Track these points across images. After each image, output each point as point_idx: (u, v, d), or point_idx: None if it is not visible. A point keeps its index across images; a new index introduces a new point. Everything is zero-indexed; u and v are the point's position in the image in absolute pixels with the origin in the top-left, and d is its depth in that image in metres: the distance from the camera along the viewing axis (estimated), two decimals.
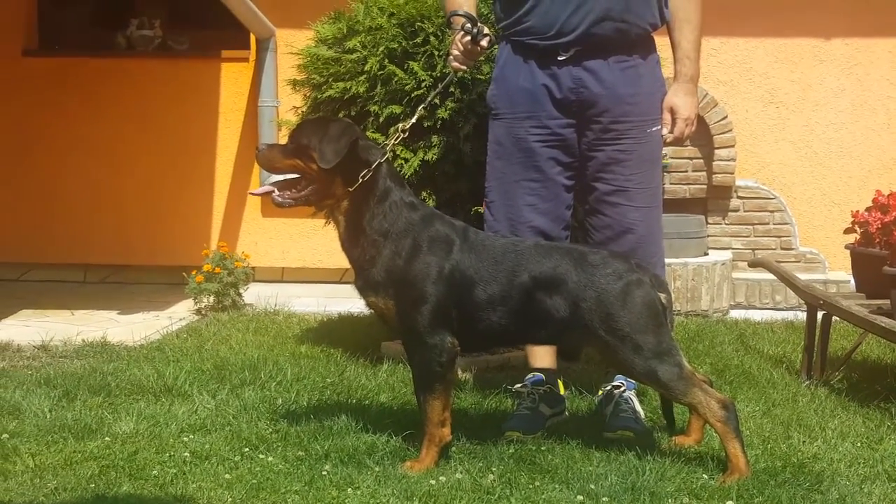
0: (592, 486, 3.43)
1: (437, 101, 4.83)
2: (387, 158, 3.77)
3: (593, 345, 3.83)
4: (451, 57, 4.18)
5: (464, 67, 4.23)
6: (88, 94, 8.24)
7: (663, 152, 4.32)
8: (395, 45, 4.98)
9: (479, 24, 4.06)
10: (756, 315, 6.96)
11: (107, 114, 8.25)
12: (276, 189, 3.78)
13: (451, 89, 4.87)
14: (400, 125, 4.10)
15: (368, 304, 3.86)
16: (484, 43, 4.07)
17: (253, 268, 7.20)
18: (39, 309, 6.93)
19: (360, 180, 3.68)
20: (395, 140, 4.08)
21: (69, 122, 8.27)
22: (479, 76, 4.86)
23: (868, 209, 4.99)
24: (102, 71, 8.24)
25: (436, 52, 4.92)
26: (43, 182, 8.30)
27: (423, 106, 4.21)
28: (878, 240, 4.85)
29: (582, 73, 4.11)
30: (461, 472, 3.58)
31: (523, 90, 4.18)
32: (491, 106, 4.33)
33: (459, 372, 4.96)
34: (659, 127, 4.21)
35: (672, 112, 4.19)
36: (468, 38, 4.07)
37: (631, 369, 3.72)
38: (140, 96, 8.24)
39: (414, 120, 4.14)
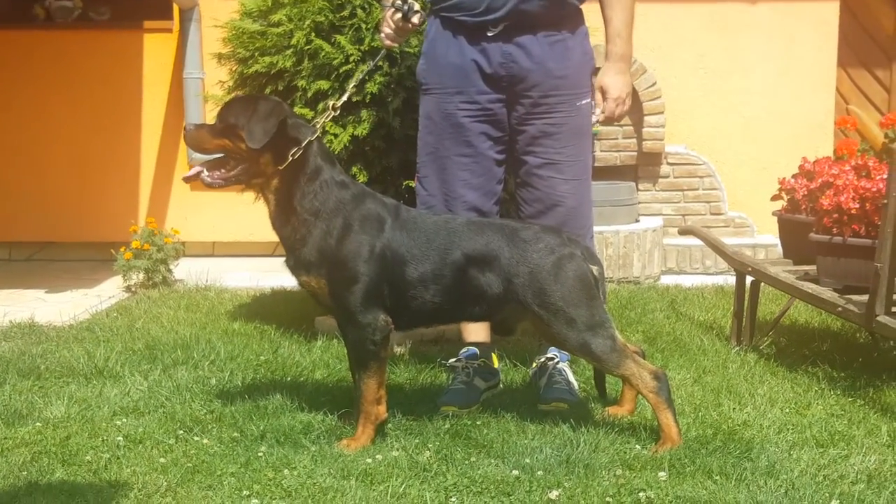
0: (528, 460, 3.46)
1: (365, 76, 4.79)
2: (317, 136, 3.73)
3: (527, 319, 3.85)
4: (383, 35, 4.15)
5: (395, 44, 4.21)
6: (7, 67, 8.06)
7: (593, 121, 4.31)
8: (322, 19, 4.90)
9: (409, 2, 4.03)
10: (687, 280, 7.06)
11: (27, 88, 8.09)
12: (204, 169, 3.73)
13: (380, 63, 4.84)
14: (331, 103, 4.05)
15: (301, 283, 3.84)
16: (415, 20, 4.05)
17: (183, 243, 7.11)
18: None
19: (290, 159, 3.65)
20: (326, 118, 4.04)
21: None
22: (407, 49, 4.83)
23: (794, 176, 5.04)
24: (20, 43, 8.06)
25: (363, 26, 4.87)
26: None
27: (353, 84, 4.19)
28: (804, 206, 4.90)
29: (511, 48, 4.10)
30: (397, 450, 3.58)
31: (453, 65, 4.16)
32: (421, 81, 4.30)
33: (395, 347, 4.96)
34: (589, 100, 4.22)
35: (603, 92, 4.18)
36: (399, 15, 4.04)
37: (564, 343, 3.74)
38: (61, 69, 8.08)
39: (345, 98, 4.10)
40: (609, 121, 4.25)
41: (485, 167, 4.23)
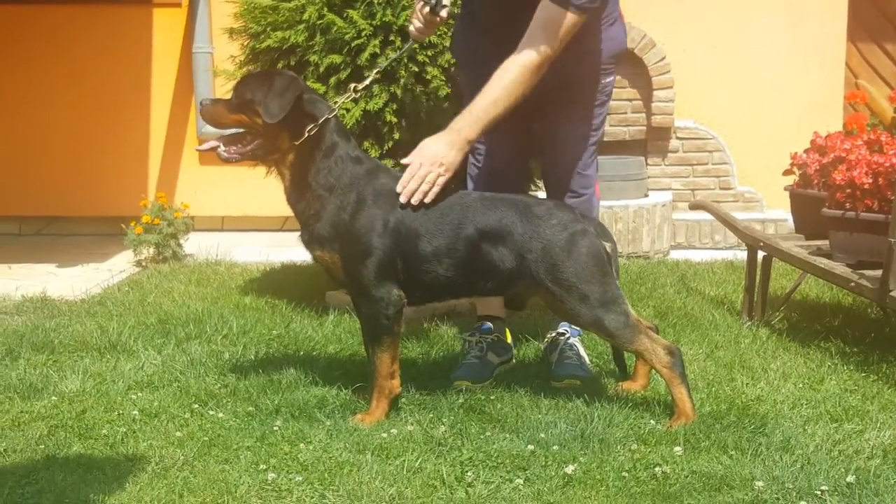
0: (542, 435, 3.47)
1: (377, 50, 4.79)
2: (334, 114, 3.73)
3: (540, 295, 3.85)
4: (412, 28, 4.14)
5: (423, 36, 4.19)
6: (17, 42, 8.06)
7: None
8: None
9: None
10: (696, 255, 7.06)
11: (38, 63, 8.08)
12: (221, 144, 3.73)
13: (392, 38, 4.83)
14: (352, 85, 4.02)
15: (315, 258, 3.84)
16: (443, 13, 4.04)
17: (192, 217, 7.12)
18: None
19: (307, 135, 3.65)
20: (347, 98, 4.04)
21: None
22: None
23: (806, 151, 5.03)
24: (31, 19, 8.05)
25: (375, 1, 4.86)
26: None
27: (377, 70, 4.16)
28: (816, 181, 4.89)
29: None
30: (412, 424, 3.60)
31: (475, 46, 4.20)
32: (455, 58, 4.39)
33: (422, 321, 4.97)
34: (613, 78, 4.22)
35: (420, 153, 3.76)
36: (427, 8, 4.03)
37: (577, 319, 3.74)
38: (71, 44, 8.07)
39: (368, 82, 4.07)
40: (405, 192, 3.69)
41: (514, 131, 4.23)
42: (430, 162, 3.69)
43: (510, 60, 3.77)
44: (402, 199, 3.66)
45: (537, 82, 3.81)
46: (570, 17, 3.74)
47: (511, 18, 3.96)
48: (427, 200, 3.66)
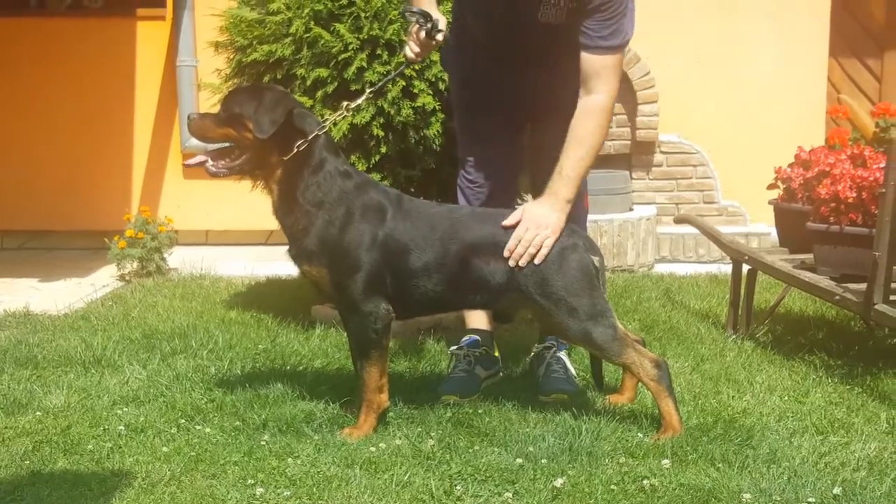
0: (531, 449, 3.47)
1: (364, 64, 4.80)
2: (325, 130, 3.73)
3: (528, 308, 3.86)
4: (408, 50, 4.14)
5: (418, 59, 4.20)
6: (0, 54, 8.02)
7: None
8: (321, 7, 4.89)
9: (434, 19, 4.03)
10: (680, 269, 7.08)
11: (19, 75, 8.05)
12: (209, 158, 3.73)
13: (379, 52, 4.84)
14: (345, 104, 4.02)
15: (303, 273, 3.83)
16: (439, 37, 4.05)
17: (176, 231, 7.10)
18: None
19: (296, 150, 3.65)
20: (339, 117, 4.05)
21: None
22: (405, 38, 4.81)
23: (791, 165, 5.05)
24: (12, 30, 8.02)
25: (362, 14, 4.86)
26: None
27: (370, 91, 4.16)
28: (800, 195, 4.92)
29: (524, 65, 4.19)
30: (400, 438, 3.59)
31: (464, 60, 4.30)
32: (446, 70, 4.46)
33: (407, 334, 4.97)
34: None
35: (524, 218, 3.78)
36: (423, 32, 4.04)
37: (566, 332, 3.75)
38: (54, 56, 8.05)
39: (361, 101, 4.08)
40: (515, 258, 3.72)
41: (505, 144, 4.30)
42: (536, 225, 3.72)
43: (582, 114, 3.88)
44: (511, 264, 3.70)
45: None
46: (619, 57, 3.95)
47: (511, 34, 4.01)
48: (536, 262, 3.68)
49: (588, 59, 3.88)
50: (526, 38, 4.05)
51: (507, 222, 3.76)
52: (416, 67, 4.81)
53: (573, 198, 3.87)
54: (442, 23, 4.04)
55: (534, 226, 3.72)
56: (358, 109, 4.70)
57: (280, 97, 3.68)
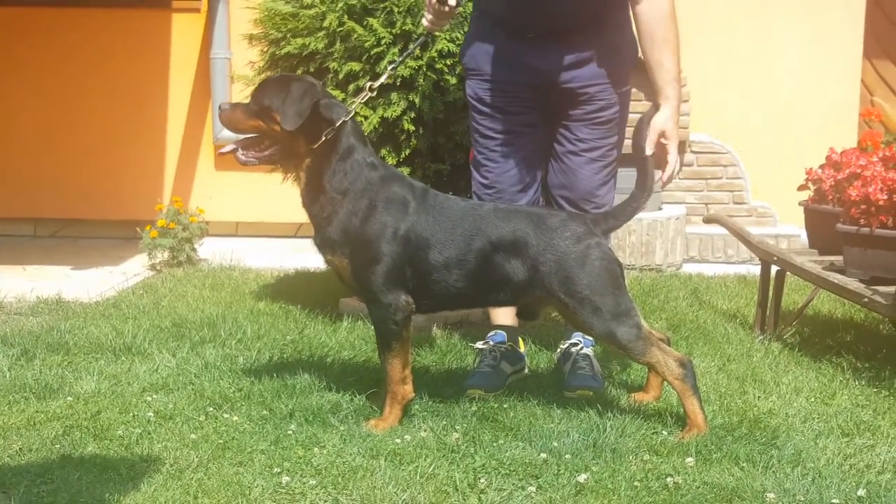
0: (555, 444, 3.48)
1: (396, 58, 4.81)
2: (351, 117, 3.76)
3: (552, 306, 3.87)
4: (425, 20, 4.17)
5: (435, 28, 4.21)
6: (37, 45, 8.12)
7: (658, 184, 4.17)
8: (355, 1, 4.92)
9: None
10: (709, 269, 7.06)
11: (56, 65, 8.14)
12: (239, 147, 3.77)
13: (411, 46, 4.86)
14: (368, 84, 4.06)
15: (326, 262, 3.87)
16: (451, 2, 4.06)
17: (207, 222, 7.15)
18: None
19: (323, 138, 3.68)
20: (363, 98, 4.07)
21: (18, 74, 8.15)
22: (438, 33, 4.84)
23: (821, 166, 5.04)
24: (49, 21, 8.10)
25: (395, 9, 4.89)
26: None
27: (392, 66, 4.20)
28: (831, 197, 4.91)
29: (549, 46, 4.17)
30: (425, 431, 3.62)
31: (490, 54, 4.26)
32: (465, 66, 4.39)
33: (434, 329, 4.99)
34: (629, 87, 4.29)
35: (663, 137, 4.03)
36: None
37: (590, 330, 3.77)
38: (90, 47, 8.12)
39: (383, 79, 4.12)
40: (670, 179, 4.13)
41: (524, 146, 4.28)
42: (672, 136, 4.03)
43: (658, 18, 4.03)
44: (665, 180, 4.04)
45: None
46: None
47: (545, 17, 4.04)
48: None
49: None
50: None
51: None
52: (448, 62, 4.82)
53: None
54: None
55: (673, 137, 4.00)
56: (388, 101, 4.72)
57: (307, 88, 3.70)
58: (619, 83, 4.24)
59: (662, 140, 3.98)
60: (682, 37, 7.17)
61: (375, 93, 4.09)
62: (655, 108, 4.02)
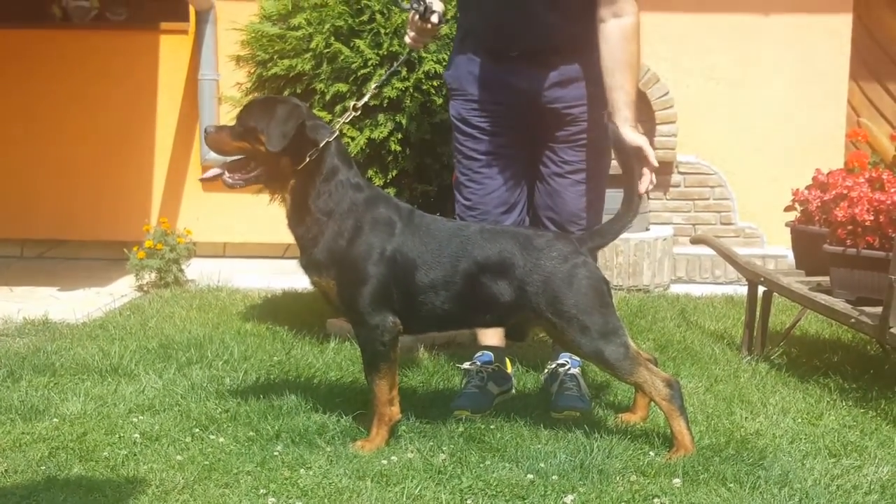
0: (542, 465, 3.47)
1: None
2: (336, 137, 3.76)
3: (540, 326, 3.86)
4: (407, 37, 4.19)
5: (418, 46, 4.23)
6: (23, 66, 8.13)
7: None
8: (341, 23, 4.94)
9: (426, 1, 4.06)
10: (696, 290, 7.07)
11: (43, 86, 8.15)
12: (225, 171, 3.76)
13: (399, 68, 4.88)
14: (352, 103, 4.08)
15: (312, 283, 3.86)
16: (433, 19, 4.07)
17: (195, 243, 7.14)
18: None
19: (308, 159, 3.68)
20: (346, 118, 4.07)
21: (5, 96, 8.15)
22: (425, 54, 4.86)
23: (808, 187, 5.06)
24: (37, 42, 8.12)
25: (382, 30, 4.91)
26: None
27: (376, 85, 4.23)
28: (817, 218, 4.92)
29: (533, 70, 4.18)
30: (412, 452, 3.61)
31: (473, 75, 4.25)
32: (449, 85, 4.38)
33: (421, 350, 4.98)
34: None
35: (640, 154, 3.95)
36: (417, 16, 4.08)
37: (578, 350, 3.76)
38: (77, 69, 8.13)
39: (366, 99, 4.13)
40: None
41: (508, 167, 4.27)
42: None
43: (620, 39, 3.97)
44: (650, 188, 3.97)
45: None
46: None
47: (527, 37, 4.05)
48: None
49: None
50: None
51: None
52: (435, 83, 4.83)
53: None
54: (436, 5, 4.07)
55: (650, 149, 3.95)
56: (375, 122, 4.72)
57: (291, 110, 3.70)
58: (603, 104, 4.24)
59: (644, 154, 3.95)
60: (670, 58, 7.27)
61: (360, 112, 4.10)
62: (615, 126, 3.96)
